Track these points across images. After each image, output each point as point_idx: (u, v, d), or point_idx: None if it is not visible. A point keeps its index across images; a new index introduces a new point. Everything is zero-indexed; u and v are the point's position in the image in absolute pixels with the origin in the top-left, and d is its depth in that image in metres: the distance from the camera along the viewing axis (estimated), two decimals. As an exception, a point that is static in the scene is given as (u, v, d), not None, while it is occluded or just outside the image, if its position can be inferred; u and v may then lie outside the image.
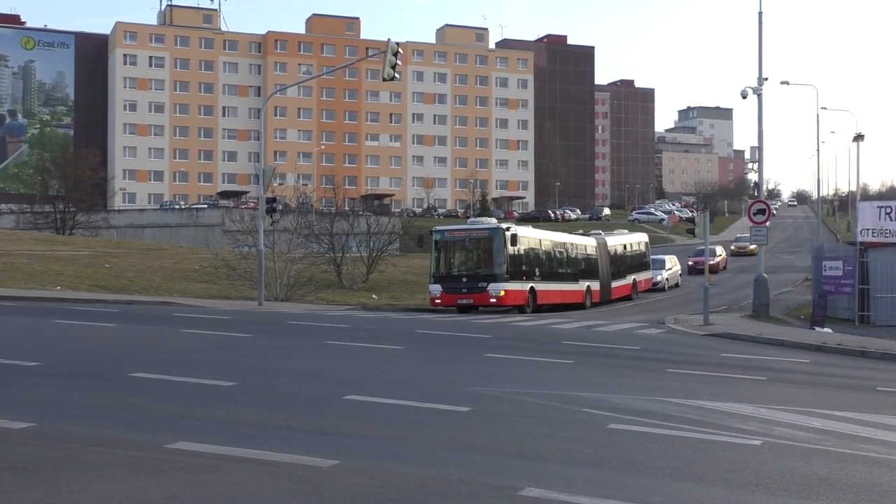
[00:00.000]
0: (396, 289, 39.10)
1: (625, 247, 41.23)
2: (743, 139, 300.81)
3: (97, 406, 9.25)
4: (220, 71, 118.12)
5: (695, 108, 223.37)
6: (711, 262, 48.36)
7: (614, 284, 38.20)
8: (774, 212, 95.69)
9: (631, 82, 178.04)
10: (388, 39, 27.74)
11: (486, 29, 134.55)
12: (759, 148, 31.78)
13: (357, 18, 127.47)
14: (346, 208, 58.43)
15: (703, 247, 52.92)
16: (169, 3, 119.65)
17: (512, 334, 20.43)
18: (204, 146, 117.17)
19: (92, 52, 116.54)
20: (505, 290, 29.30)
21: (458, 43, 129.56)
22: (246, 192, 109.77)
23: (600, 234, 41.43)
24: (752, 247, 60.02)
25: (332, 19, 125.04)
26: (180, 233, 72.95)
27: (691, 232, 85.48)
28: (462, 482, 6.49)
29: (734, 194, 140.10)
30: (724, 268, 54.25)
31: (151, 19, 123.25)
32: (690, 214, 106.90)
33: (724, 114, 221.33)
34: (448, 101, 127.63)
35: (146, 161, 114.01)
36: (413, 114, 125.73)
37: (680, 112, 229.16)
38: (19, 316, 19.46)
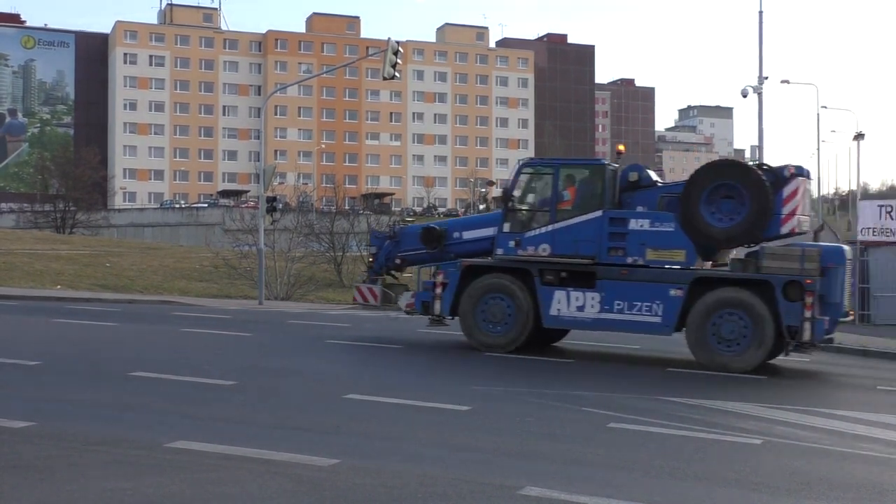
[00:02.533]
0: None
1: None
2: (743, 138, 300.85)
3: (97, 405, 9.25)
4: (221, 70, 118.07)
5: (695, 106, 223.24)
6: None
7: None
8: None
9: (631, 81, 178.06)
10: (389, 38, 27.72)
11: (486, 28, 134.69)
12: (760, 147, 31.82)
13: (357, 17, 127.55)
14: (347, 207, 58.44)
15: None
16: (169, 2, 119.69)
17: (512, 333, 20.36)
18: (204, 145, 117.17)
19: (92, 52, 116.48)
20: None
21: (459, 42, 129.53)
22: (246, 192, 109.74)
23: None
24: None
25: (332, 18, 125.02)
26: (180, 232, 72.93)
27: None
28: (462, 481, 6.49)
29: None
30: None
31: (152, 18, 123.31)
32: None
33: (725, 113, 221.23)
34: (448, 100, 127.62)
35: (146, 160, 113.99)
36: (413, 113, 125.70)
37: (680, 111, 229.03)
38: (19, 315, 19.45)
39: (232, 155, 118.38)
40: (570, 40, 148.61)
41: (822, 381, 14.44)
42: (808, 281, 13.63)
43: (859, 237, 26.52)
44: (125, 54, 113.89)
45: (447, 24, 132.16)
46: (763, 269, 14.10)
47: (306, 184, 78.12)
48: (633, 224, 14.69)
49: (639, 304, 14.62)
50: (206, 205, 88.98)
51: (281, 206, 37.12)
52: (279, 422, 8.63)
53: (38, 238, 47.91)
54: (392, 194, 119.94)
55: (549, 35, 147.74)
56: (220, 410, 9.12)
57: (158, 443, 7.25)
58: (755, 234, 14.53)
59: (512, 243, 15.28)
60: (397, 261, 16.98)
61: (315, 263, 37.09)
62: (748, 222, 14.29)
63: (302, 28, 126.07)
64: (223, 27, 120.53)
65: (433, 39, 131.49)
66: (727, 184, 14.50)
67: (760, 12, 29.78)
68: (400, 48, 27.81)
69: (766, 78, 29.90)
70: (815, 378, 14.81)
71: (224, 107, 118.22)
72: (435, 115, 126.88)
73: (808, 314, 13.59)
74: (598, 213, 14.90)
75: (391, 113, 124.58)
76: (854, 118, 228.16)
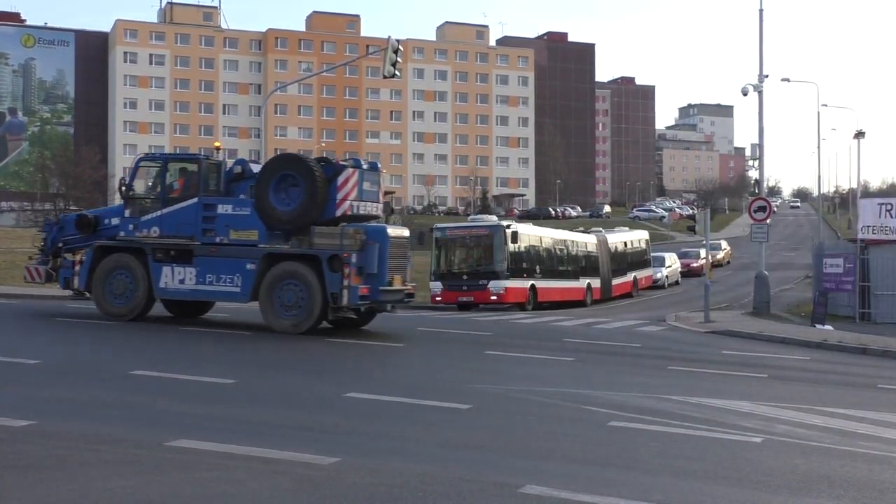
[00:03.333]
0: (397, 286, 39.00)
1: (625, 244, 41.23)
2: (744, 136, 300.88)
3: (97, 404, 9.24)
4: (221, 69, 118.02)
5: (695, 105, 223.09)
6: (694, 265, 47.98)
7: (615, 282, 38.19)
8: (775, 209, 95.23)
9: (632, 80, 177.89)
10: (389, 37, 27.72)
11: (486, 26, 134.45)
12: (760, 145, 31.75)
13: (357, 16, 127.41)
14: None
15: (687, 249, 52.61)
16: (169, 0, 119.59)
17: (512, 332, 20.42)
18: (204, 144, 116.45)
19: (92, 50, 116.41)
20: (506, 288, 29.31)
21: (459, 40, 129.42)
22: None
23: (601, 231, 41.41)
24: (720, 255, 56.04)
25: (332, 17, 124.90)
26: (181, 230, 72.81)
27: (692, 229, 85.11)
28: (463, 480, 6.49)
29: (735, 192, 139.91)
30: (702, 274, 49.68)
31: (152, 17, 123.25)
32: (691, 212, 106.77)
33: (725, 111, 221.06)
34: (448, 99, 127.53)
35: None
36: (413, 111, 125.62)
37: (681, 109, 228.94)
38: (20, 314, 19.47)
39: (232, 154, 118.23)
40: (570, 39, 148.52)
41: (822, 379, 14.45)
42: (346, 255, 16.19)
43: (859, 235, 26.53)
44: (125, 53, 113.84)
45: (447, 22, 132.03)
46: (315, 245, 16.61)
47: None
48: (221, 209, 17.23)
49: (224, 276, 17.03)
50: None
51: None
52: (280, 420, 8.63)
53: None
54: (392, 193, 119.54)
55: (549, 33, 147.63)
56: (220, 409, 9.12)
57: (159, 442, 7.25)
58: (311, 216, 16.82)
59: (132, 226, 17.74)
60: (60, 244, 18.94)
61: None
62: (304, 206, 16.75)
63: (302, 27, 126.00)
64: (223, 26, 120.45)
65: (433, 38, 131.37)
66: (290, 174, 17.00)
67: (761, 11, 29.72)
68: (400, 46, 27.83)
69: (767, 76, 29.79)
70: (815, 375, 14.81)
71: (224, 105, 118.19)
72: (435, 113, 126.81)
73: (346, 283, 16.13)
74: (195, 200, 17.32)
75: (391, 111, 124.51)
76: (854, 116, 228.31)
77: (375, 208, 18.17)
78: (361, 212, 17.51)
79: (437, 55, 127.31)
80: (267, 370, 12.35)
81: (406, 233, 18.69)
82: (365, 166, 17.82)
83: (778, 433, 9.04)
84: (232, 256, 17.02)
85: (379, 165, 18.80)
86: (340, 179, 17.04)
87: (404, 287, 17.72)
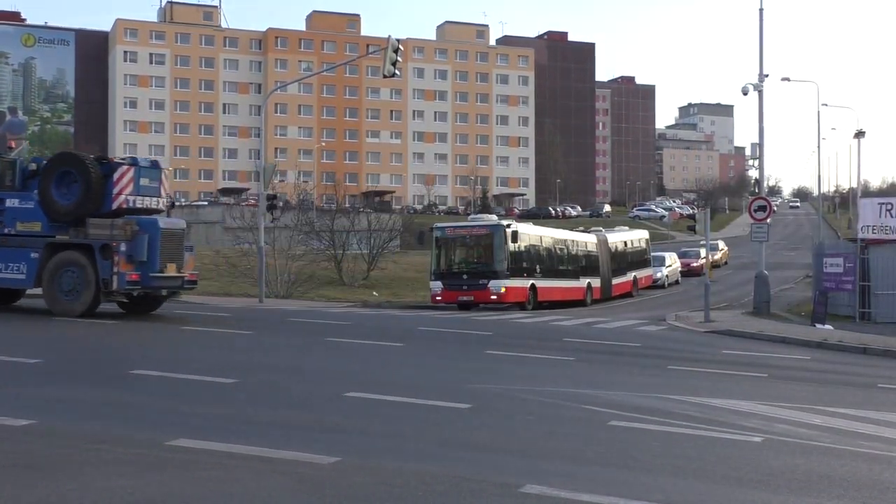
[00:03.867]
0: (397, 286, 39.12)
1: (625, 244, 41.24)
2: (744, 136, 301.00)
3: (98, 403, 9.25)
4: (221, 68, 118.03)
5: (696, 104, 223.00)
6: (694, 265, 47.88)
7: (615, 281, 38.20)
8: (775, 209, 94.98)
9: (632, 79, 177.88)
10: (389, 36, 27.72)
11: (486, 26, 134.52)
12: (760, 145, 31.74)
13: (357, 15, 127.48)
14: (347, 205, 58.59)
15: (687, 248, 52.53)
16: (169, 0, 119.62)
17: (512, 331, 20.42)
18: (204, 143, 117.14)
19: (92, 50, 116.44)
20: (506, 287, 29.30)
21: (459, 39, 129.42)
22: (246, 189, 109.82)
23: (601, 230, 41.42)
24: (717, 256, 55.29)
25: (332, 16, 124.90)
26: (181, 230, 72.65)
27: (692, 229, 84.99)
28: (463, 479, 6.48)
29: (735, 191, 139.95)
30: (702, 273, 48.61)
31: (152, 16, 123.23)
32: (691, 211, 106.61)
33: (725, 110, 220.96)
34: (449, 98, 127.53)
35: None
36: (413, 111, 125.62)
37: (681, 109, 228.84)
38: (20, 314, 19.48)
39: (232, 153, 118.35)
40: (570, 38, 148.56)
41: (822, 379, 14.44)
42: (115, 244, 17.78)
43: (860, 235, 26.51)
44: (125, 52, 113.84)
45: (447, 21, 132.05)
46: (89, 235, 18.13)
47: (307, 182, 78.11)
48: (9, 203, 18.88)
49: (12, 265, 18.55)
50: (206, 203, 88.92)
51: (281, 204, 37.15)
52: (280, 420, 8.63)
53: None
54: (392, 192, 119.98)
55: (549, 33, 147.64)
56: (220, 408, 9.12)
57: (159, 441, 7.24)
58: (88, 209, 18.34)
59: None
60: None
61: (315, 261, 37.09)
62: (81, 200, 18.31)
63: (302, 26, 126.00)
64: (223, 25, 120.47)
65: (433, 37, 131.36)
66: (70, 171, 18.57)
67: (761, 10, 29.70)
68: (400, 46, 27.81)
69: (767, 76, 29.77)
70: (815, 375, 14.81)
71: (224, 105, 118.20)
72: (435, 112, 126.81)
73: (115, 269, 17.73)
74: None
75: (391, 111, 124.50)
76: (854, 116, 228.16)
77: (156, 202, 19.61)
78: (139, 205, 19.00)
79: (437, 54, 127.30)
80: (267, 370, 12.35)
81: (182, 225, 20.09)
82: (145, 164, 19.52)
83: (778, 433, 9.03)
84: (18, 246, 18.53)
85: (161, 164, 20.44)
86: (116, 176, 18.59)
87: (180, 274, 19.08)
